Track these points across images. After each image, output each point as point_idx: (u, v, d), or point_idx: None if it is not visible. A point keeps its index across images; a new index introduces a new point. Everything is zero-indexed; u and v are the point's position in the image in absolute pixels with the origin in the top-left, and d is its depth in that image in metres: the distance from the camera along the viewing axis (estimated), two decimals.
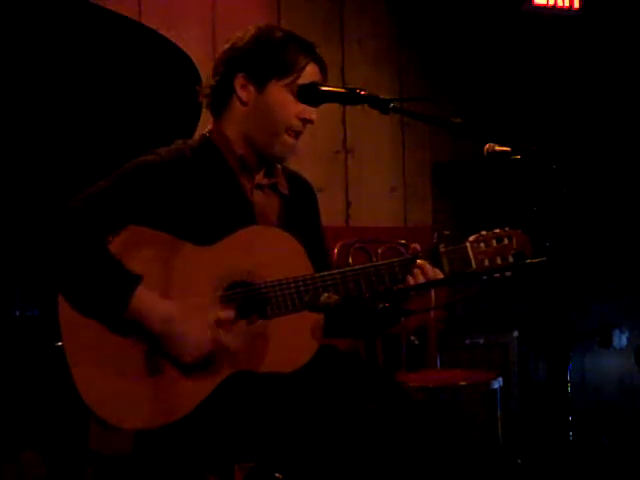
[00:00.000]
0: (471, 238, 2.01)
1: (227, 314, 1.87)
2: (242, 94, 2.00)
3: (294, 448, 1.83)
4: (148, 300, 1.82)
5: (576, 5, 4.35)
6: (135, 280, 1.82)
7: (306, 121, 2.01)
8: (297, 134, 2.01)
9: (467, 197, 4.48)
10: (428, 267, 1.95)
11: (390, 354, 3.39)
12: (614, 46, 4.45)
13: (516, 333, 3.84)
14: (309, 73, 1.99)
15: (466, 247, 1.99)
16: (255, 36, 2.01)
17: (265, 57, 1.99)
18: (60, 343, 1.82)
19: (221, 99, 2.04)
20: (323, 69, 2.04)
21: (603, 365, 4.50)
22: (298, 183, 2.19)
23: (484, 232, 2.01)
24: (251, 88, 2.00)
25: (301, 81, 1.95)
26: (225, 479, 1.88)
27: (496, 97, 4.43)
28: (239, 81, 2.00)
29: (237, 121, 2.03)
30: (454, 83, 4.45)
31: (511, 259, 1.97)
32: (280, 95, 1.98)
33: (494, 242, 2.00)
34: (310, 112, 2.00)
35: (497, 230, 2.02)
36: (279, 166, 2.14)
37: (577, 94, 4.50)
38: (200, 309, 1.86)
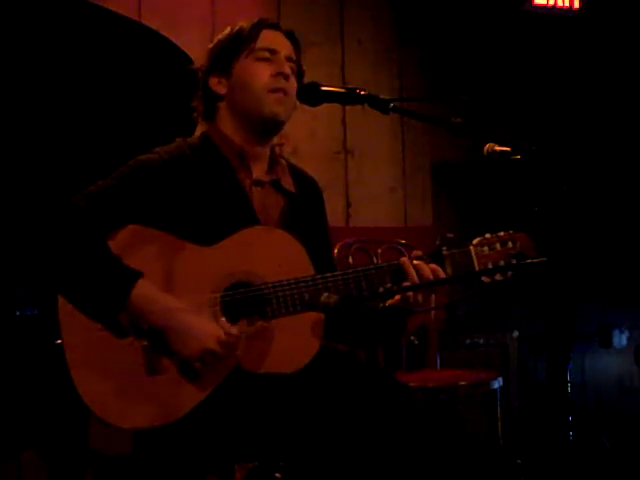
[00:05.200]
0: (475, 241, 1.98)
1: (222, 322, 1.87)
2: (219, 89, 2.08)
3: (294, 448, 1.83)
4: (150, 293, 1.82)
5: (576, 5, 4.35)
6: (135, 275, 1.82)
7: (280, 74, 2.02)
8: (279, 90, 2.01)
9: (467, 197, 4.49)
10: (425, 267, 1.93)
11: (390, 354, 3.38)
12: (614, 46, 4.46)
13: (516, 333, 3.84)
14: (266, 36, 2.06)
15: (469, 250, 1.97)
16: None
17: (220, 50, 2.08)
18: (59, 341, 1.82)
19: (209, 107, 2.11)
20: (287, 34, 2.10)
21: (603, 365, 4.50)
22: (305, 181, 2.20)
23: (488, 235, 1.99)
24: (223, 80, 2.07)
25: (259, 45, 2.04)
26: (225, 479, 1.88)
27: (496, 97, 4.42)
28: (212, 82, 2.08)
29: (227, 115, 2.08)
30: (454, 83, 4.45)
31: (512, 260, 1.96)
32: (246, 66, 2.04)
33: (498, 245, 1.98)
34: (279, 66, 2.03)
35: (501, 233, 1.99)
36: (284, 162, 2.16)
37: (577, 94, 4.50)
38: (199, 309, 1.87)
